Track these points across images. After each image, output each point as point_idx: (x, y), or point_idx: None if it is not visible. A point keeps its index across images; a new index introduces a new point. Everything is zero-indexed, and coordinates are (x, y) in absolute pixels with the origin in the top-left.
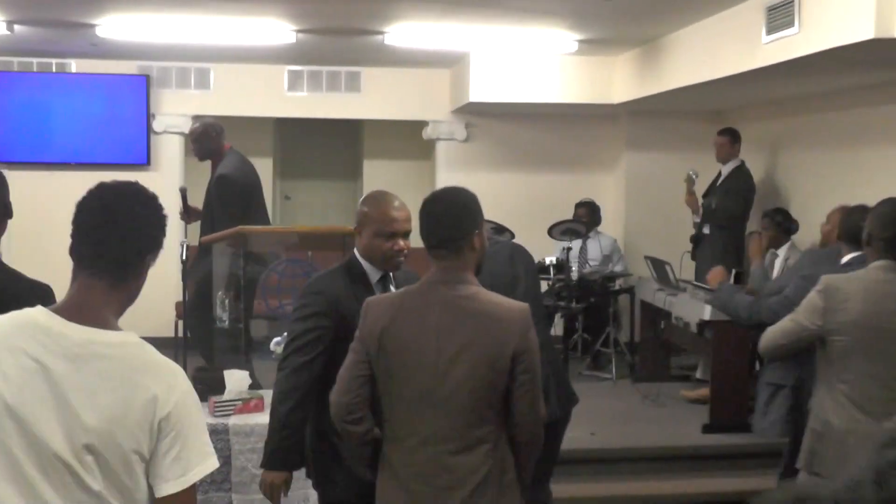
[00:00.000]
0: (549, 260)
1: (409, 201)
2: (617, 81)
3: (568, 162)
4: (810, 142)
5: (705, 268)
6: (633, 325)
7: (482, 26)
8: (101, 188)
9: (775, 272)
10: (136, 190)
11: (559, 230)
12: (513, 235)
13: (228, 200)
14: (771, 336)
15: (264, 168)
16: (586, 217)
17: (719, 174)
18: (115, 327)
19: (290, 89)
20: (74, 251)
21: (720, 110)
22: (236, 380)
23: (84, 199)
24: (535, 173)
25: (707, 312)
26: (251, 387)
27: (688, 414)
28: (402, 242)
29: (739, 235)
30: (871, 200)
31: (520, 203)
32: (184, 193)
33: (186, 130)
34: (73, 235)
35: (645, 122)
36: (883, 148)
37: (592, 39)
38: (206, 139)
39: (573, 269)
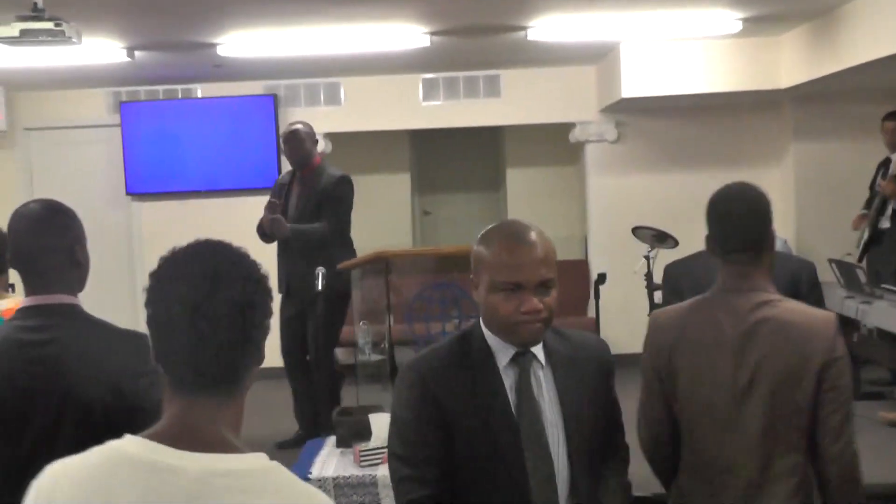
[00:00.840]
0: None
1: (558, 209)
2: (783, 63)
3: (728, 158)
4: None
5: (886, 269)
6: None
7: (633, 13)
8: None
9: None
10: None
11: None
12: (676, 242)
13: (351, 204)
14: None
15: (401, 183)
16: None
17: (886, 163)
18: (237, 448)
19: (426, 99)
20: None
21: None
22: (384, 424)
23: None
24: (694, 172)
25: None
26: None
27: (891, 441)
28: (535, 300)
29: None
30: None
31: (679, 206)
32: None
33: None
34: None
35: (812, 107)
36: None
37: (757, 17)
38: (312, 143)
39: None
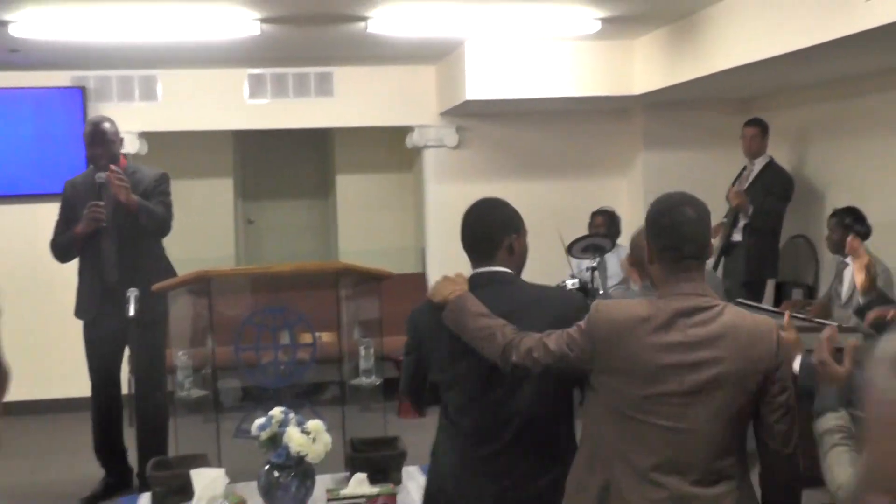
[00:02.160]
0: (571, 283)
1: (393, 219)
2: (637, 69)
3: (576, 166)
4: (855, 128)
5: (737, 281)
6: None
7: (482, 6)
8: None
9: (845, 285)
10: None
11: (580, 247)
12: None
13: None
14: None
15: (223, 189)
16: (605, 228)
17: (742, 172)
18: None
19: (252, 96)
20: None
21: (748, 98)
22: (208, 482)
23: None
24: (539, 181)
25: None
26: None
27: None
28: None
29: (776, 242)
30: None
31: (525, 216)
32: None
33: (133, 151)
34: None
35: (662, 115)
36: None
37: (617, 17)
38: (118, 142)
39: (600, 291)
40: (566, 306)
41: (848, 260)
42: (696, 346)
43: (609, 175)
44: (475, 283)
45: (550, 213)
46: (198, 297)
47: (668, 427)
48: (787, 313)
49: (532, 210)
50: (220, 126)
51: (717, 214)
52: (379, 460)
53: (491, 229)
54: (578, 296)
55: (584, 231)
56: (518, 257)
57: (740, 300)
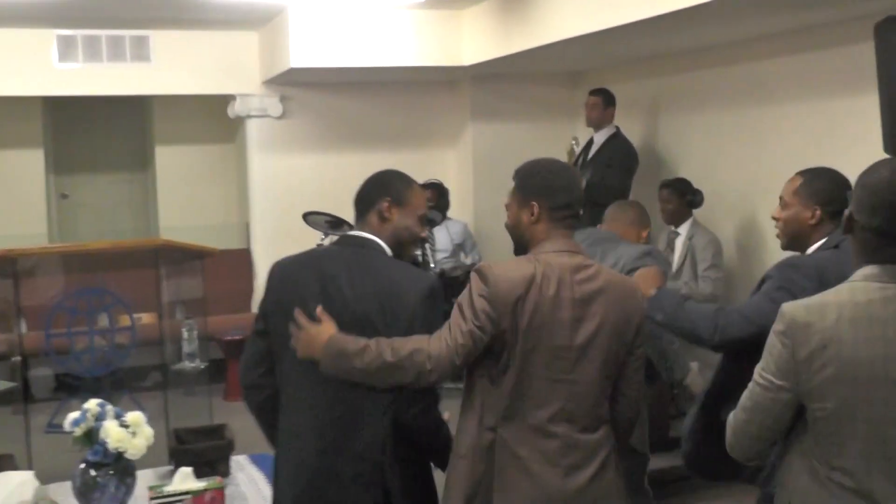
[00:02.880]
0: None
1: (216, 193)
2: (466, 39)
3: (405, 138)
4: (693, 102)
5: None
6: None
7: None
8: None
9: (677, 254)
10: None
11: None
12: (352, 228)
13: None
14: (738, 429)
15: (33, 161)
16: (434, 201)
17: (589, 144)
18: None
19: (62, 60)
20: None
21: (580, 71)
22: (14, 488)
23: None
24: (367, 153)
25: None
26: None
27: None
28: None
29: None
30: (776, 163)
31: (352, 189)
32: None
33: None
34: None
35: (491, 87)
36: (783, 104)
37: None
38: None
39: (431, 264)
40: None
41: (680, 230)
42: (584, 302)
43: (438, 147)
44: (338, 244)
45: None
46: (2, 279)
47: (562, 380)
48: None
49: (356, 181)
50: (26, 91)
51: None
52: (205, 451)
53: (370, 187)
54: (427, 276)
55: None
56: (392, 230)
57: None
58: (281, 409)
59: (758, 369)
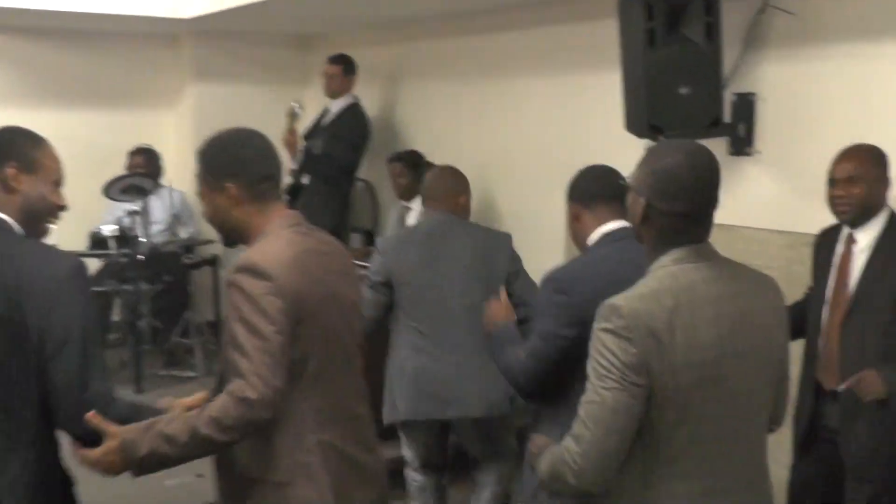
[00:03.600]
0: (110, 230)
1: None
2: None
3: (116, 96)
4: (435, 72)
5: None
6: (217, 306)
7: None
8: None
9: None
10: None
11: (119, 188)
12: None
13: None
14: (590, 452)
15: None
16: (145, 168)
17: (324, 113)
18: None
19: None
20: None
21: (311, 34)
22: None
23: None
24: (69, 111)
25: None
26: None
27: None
28: None
29: (347, 189)
30: (516, 138)
31: (80, 154)
32: None
33: None
34: None
35: (215, 46)
36: (526, 78)
37: None
38: None
39: (142, 238)
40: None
41: (412, 205)
42: None
43: (153, 108)
44: None
45: (84, 148)
46: None
47: None
48: None
49: (61, 145)
50: None
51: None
52: None
53: None
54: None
55: (121, 171)
56: (21, 203)
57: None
58: None
59: (596, 379)
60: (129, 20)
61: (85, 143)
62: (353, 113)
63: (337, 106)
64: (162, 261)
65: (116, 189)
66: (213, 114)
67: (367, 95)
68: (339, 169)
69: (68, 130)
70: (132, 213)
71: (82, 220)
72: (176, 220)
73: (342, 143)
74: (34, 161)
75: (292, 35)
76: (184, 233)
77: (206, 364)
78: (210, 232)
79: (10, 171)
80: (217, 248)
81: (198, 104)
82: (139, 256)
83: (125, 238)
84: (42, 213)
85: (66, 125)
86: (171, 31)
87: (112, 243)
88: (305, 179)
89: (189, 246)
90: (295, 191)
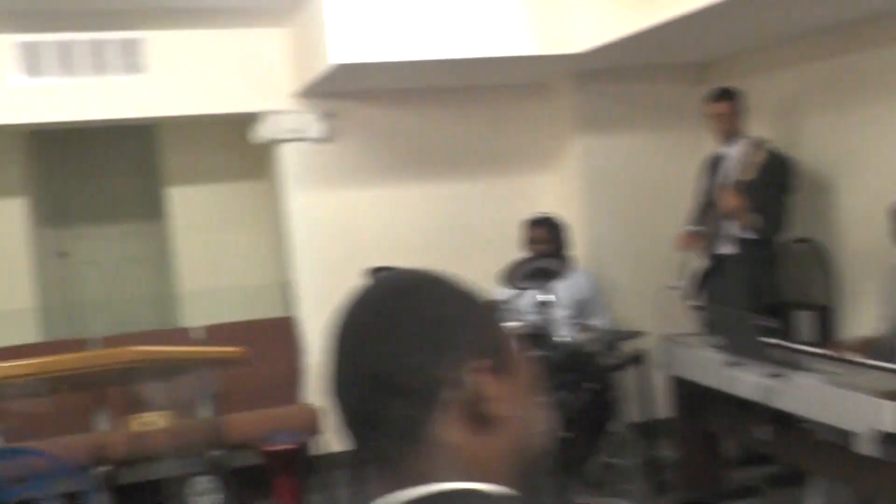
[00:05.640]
0: (517, 326)
1: (246, 240)
2: (573, 18)
3: (481, 161)
4: (855, 91)
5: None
6: (649, 412)
7: None
8: None
9: None
10: None
11: (524, 273)
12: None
13: None
14: None
15: (13, 212)
16: (547, 243)
17: (717, 160)
18: None
19: (29, 73)
20: None
21: (703, 62)
22: None
23: None
24: (442, 181)
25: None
26: None
27: None
28: None
29: (775, 253)
30: None
31: (421, 227)
32: None
33: None
34: None
35: (595, 89)
36: None
37: None
38: None
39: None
40: None
41: None
42: None
43: (529, 171)
44: None
45: (452, 222)
46: None
47: None
48: None
49: (426, 221)
50: None
51: (677, 213)
52: None
53: None
54: None
55: (507, 249)
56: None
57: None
58: None
59: None
60: (503, 65)
61: (453, 216)
62: (769, 154)
63: (737, 150)
64: (579, 362)
65: (522, 275)
66: (602, 170)
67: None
68: (778, 224)
69: (432, 203)
70: (541, 304)
71: None
72: (581, 306)
73: (775, 189)
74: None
75: (684, 65)
76: (599, 322)
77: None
78: (634, 321)
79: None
80: (647, 342)
81: (583, 161)
82: (556, 359)
83: (541, 335)
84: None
85: (429, 198)
86: (544, 78)
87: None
88: (723, 248)
89: (620, 337)
90: (715, 265)
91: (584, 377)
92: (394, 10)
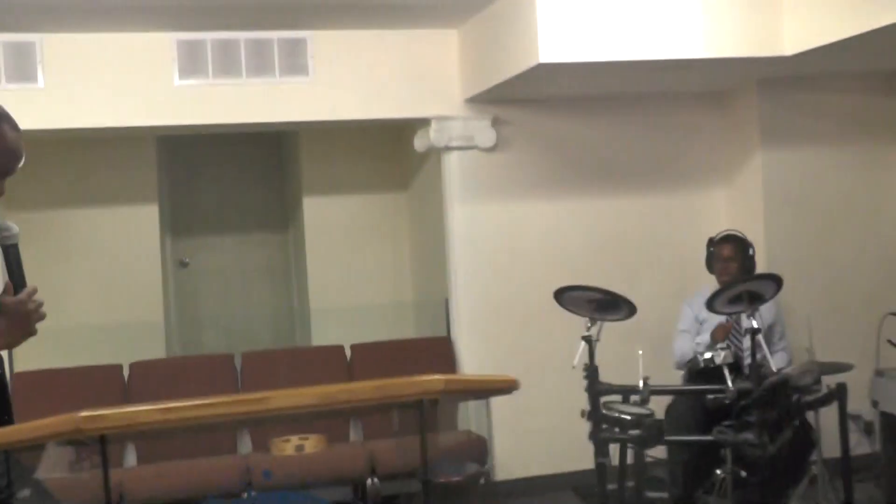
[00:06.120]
0: (710, 356)
1: (394, 261)
2: (788, 19)
3: (648, 175)
4: None
5: None
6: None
7: None
8: None
9: None
10: None
11: (726, 299)
12: (632, 309)
13: None
14: None
15: (146, 220)
16: (736, 263)
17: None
18: None
19: (184, 76)
20: None
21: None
22: None
23: None
24: (595, 197)
25: None
26: None
27: None
28: None
29: None
30: None
31: (592, 244)
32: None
33: None
34: None
35: (783, 99)
36: None
37: None
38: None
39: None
40: None
41: None
42: None
43: (701, 186)
44: None
45: (625, 240)
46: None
47: None
48: None
49: (597, 236)
50: (134, 122)
51: (865, 235)
52: None
53: None
54: None
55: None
56: None
57: None
58: None
59: None
60: (702, 67)
61: (620, 232)
62: None
63: None
64: (784, 396)
65: (724, 300)
66: (783, 187)
67: None
68: None
69: (599, 218)
70: (750, 332)
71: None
72: (766, 335)
73: None
74: None
75: (873, 74)
76: (782, 351)
77: None
78: (819, 351)
79: None
80: (846, 377)
81: (764, 176)
82: (761, 393)
83: (738, 367)
84: None
85: (596, 212)
86: (728, 85)
87: (725, 373)
88: None
89: (818, 375)
90: None
91: (788, 413)
92: (601, 11)
